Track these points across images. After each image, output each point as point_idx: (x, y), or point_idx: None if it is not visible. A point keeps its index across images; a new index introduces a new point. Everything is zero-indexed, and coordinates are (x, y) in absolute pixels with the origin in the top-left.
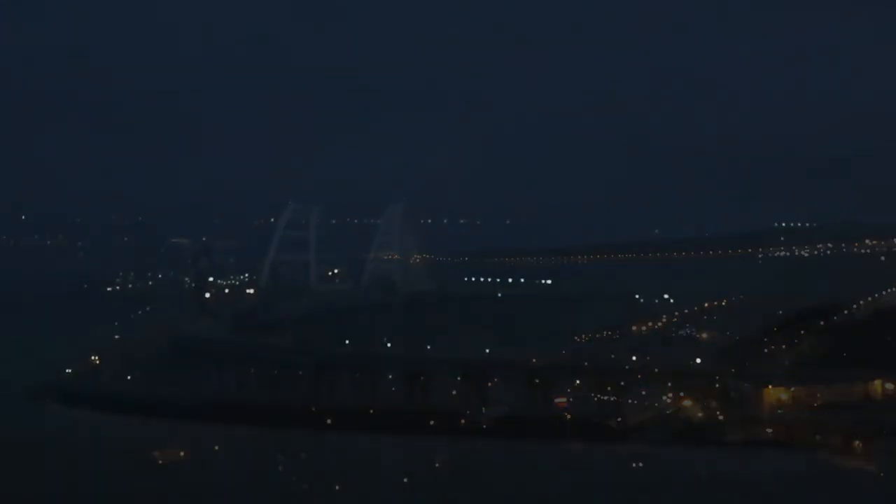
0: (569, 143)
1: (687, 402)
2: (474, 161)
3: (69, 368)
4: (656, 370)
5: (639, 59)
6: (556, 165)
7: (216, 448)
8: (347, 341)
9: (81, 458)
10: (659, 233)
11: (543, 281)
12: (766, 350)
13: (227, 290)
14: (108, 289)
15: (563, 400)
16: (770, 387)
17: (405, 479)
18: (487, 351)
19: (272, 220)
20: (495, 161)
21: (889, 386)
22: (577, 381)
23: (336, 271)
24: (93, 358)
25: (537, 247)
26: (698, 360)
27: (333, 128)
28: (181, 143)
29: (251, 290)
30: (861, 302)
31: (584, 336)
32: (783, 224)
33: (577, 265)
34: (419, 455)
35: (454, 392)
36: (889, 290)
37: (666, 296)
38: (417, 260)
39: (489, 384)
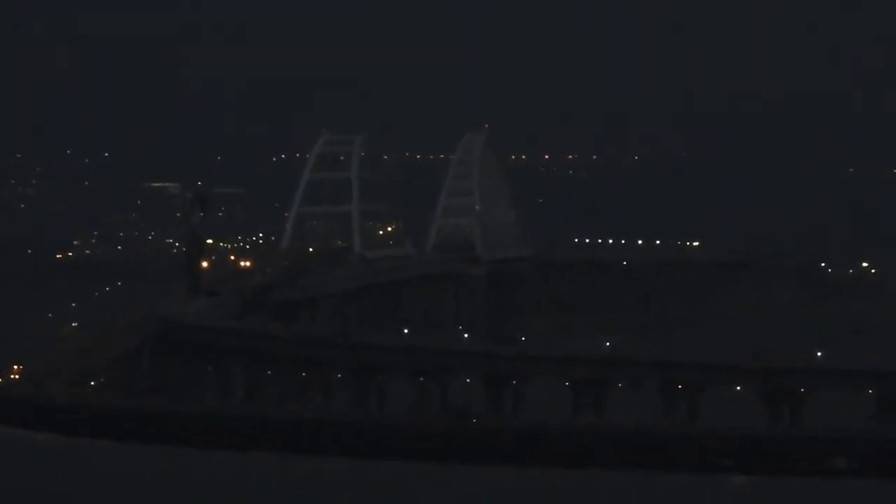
0: None
1: None
2: (581, 67)
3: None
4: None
5: None
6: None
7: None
8: (406, 330)
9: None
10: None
11: (689, 242)
12: None
13: (232, 257)
14: (59, 256)
15: None
16: None
17: None
18: (608, 343)
19: (297, 155)
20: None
21: None
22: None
23: (389, 229)
24: (37, 357)
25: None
26: None
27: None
28: (166, 48)
29: (248, 263)
30: None
31: None
32: None
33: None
34: None
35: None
36: None
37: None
38: (506, 213)
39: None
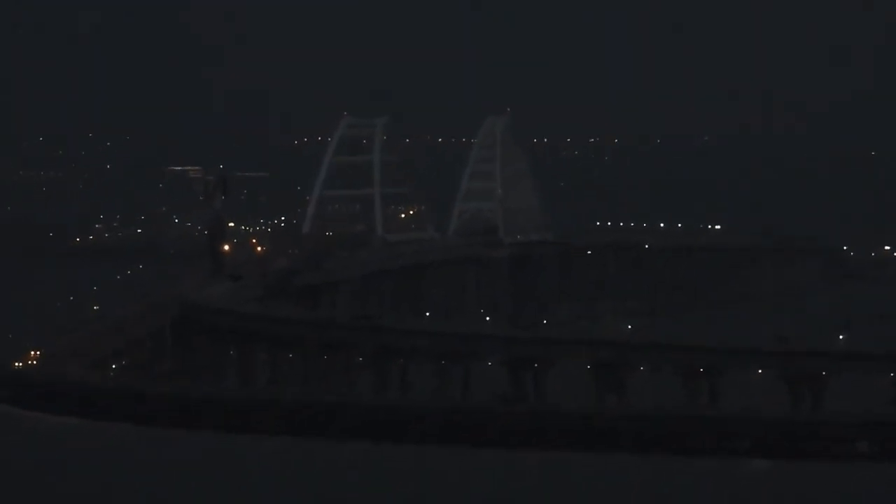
0: None
1: None
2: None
3: (19, 357)
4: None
5: None
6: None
7: None
8: (427, 313)
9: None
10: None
11: (710, 225)
12: None
13: (253, 240)
14: (78, 239)
15: None
16: None
17: None
18: (630, 327)
19: (318, 138)
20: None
21: None
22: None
23: (412, 212)
24: (58, 340)
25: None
26: None
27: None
28: (185, 35)
29: (260, 248)
30: None
31: None
32: None
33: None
34: None
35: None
36: None
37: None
38: (529, 197)
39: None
